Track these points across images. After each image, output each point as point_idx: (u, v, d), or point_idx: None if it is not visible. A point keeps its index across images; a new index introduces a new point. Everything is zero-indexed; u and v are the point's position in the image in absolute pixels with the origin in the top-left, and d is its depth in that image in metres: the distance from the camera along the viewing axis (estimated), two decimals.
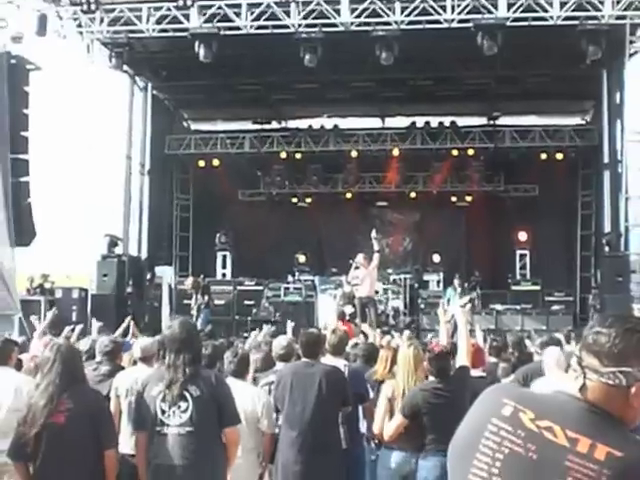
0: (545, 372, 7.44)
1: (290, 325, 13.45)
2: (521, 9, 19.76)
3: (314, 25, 20.55)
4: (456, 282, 24.61)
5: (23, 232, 20.75)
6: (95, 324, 13.00)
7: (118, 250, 24.20)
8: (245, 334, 19.94)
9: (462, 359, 7.24)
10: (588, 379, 2.51)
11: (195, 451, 5.74)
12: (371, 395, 8.37)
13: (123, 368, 8.42)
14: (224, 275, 28.29)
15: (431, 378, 7.18)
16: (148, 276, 26.03)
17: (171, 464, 5.75)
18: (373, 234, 19.28)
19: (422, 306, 25.06)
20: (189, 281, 23.22)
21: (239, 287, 26.25)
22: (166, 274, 28.31)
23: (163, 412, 5.76)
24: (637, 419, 2.56)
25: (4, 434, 6.17)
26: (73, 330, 11.65)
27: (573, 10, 19.69)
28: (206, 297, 22.70)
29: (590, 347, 2.53)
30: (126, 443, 6.57)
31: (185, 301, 24.21)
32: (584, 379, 2.52)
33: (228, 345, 10.25)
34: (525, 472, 2.46)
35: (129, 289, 24.05)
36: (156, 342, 8.31)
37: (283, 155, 29.10)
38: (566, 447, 2.43)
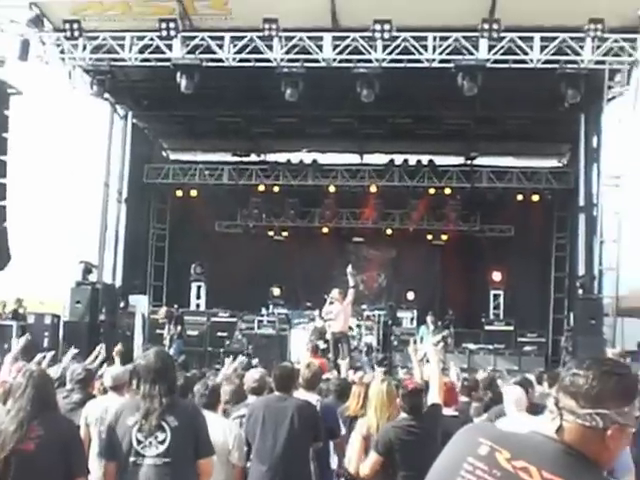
0: (505, 411, 7.45)
1: (255, 362, 13.42)
2: (502, 51, 20.01)
3: (296, 60, 20.69)
4: (429, 320, 24.61)
5: None
6: (71, 351, 12.84)
7: (92, 277, 24.03)
8: (217, 366, 19.88)
9: (434, 397, 7.22)
10: (565, 420, 2.51)
11: None
12: (343, 431, 8.34)
13: (95, 397, 8.36)
14: (198, 306, 28.18)
15: (403, 415, 7.16)
16: (122, 304, 25.86)
17: None
18: (349, 269, 19.25)
19: (395, 343, 25.05)
20: (162, 311, 23.16)
21: (213, 318, 26.17)
22: (140, 303, 28.12)
23: (139, 442, 5.64)
24: (612, 461, 2.57)
25: None
26: (44, 357, 11.56)
27: (553, 54, 19.96)
28: (179, 327, 22.63)
29: (567, 388, 2.53)
30: (95, 472, 6.50)
31: (158, 331, 24.13)
32: (561, 420, 2.52)
33: (200, 376, 10.18)
34: None
35: (102, 317, 23.85)
36: (127, 371, 8.26)
37: (261, 188, 29.20)
38: None
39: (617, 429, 2.50)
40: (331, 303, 18.92)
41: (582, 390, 2.50)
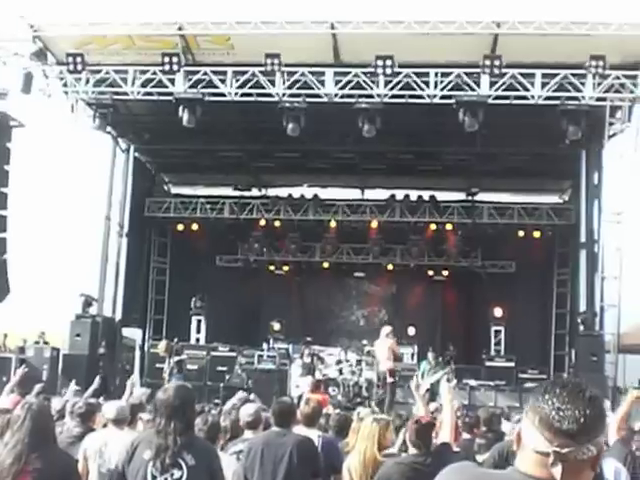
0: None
1: (252, 397, 13.33)
2: (503, 87, 20.09)
3: (298, 95, 20.76)
4: (430, 356, 24.48)
5: None
6: (72, 387, 12.77)
7: (92, 310, 24.01)
8: (217, 400, 19.76)
9: (445, 435, 7.12)
10: (564, 461, 2.38)
11: None
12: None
13: (94, 430, 8.28)
14: (198, 340, 28.03)
15: (411, 450, 7.06)
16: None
17: None
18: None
19: (396, 379, 24.84)
20: (162, 344, 23.04)
21: (213, 353, 26.02)
22: (136, 336, 28.09)
23: (154, 478, 5.55)
24: None
25: None
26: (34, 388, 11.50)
27: (554, 90, 20.04)
28: (178, 359, 22.52)
29: (558, 427, 2.40)
30: None
31: (157, 364, 23.99)
32: (563, 463, 2.39)
33: (199, 411, 10.10)
34: None
35: (101, 350, 23.78)
36: (129, 405, 8.22)
37: (262, 222, 29.22)
38: None
39: (602, 449, 2.45)
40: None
41: (578, 426, 2.38)
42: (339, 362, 24.50)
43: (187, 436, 5.66)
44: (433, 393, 16.26)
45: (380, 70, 20.07)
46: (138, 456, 5.64)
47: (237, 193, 30.35)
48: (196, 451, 5.63)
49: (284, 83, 20.66)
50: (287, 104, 20.83)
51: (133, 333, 27.88)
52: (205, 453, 5.76)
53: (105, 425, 8.19)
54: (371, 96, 20.64)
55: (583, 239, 24.45)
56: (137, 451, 5.66)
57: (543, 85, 20.09)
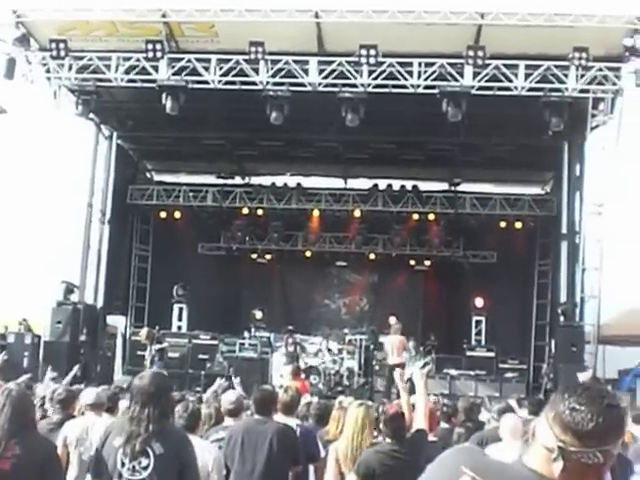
0: (501, 437, 7.36)
1: (236, 381, 13.34)
2: (486, 78, 20.10)
3: (282, 83, 20.75)
4: (411, 345, 24.54)
5: None
6: (49, 374, 12.76)
7: (74, 297, 23.96)
8: (198, 388, 19.77)
9: (420, 422, 7.16)
10: (567, 460, 2.40)
11: None
12: (322, 454, 8.28)
13: (74, 417, 8.28)
14: (179, 328, 27.95)
15: (387, 440, 7.09)
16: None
17: None
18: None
19: (377, 368, 24.95)
20: (144, 332, 23.03)
21: (194, 340, 26.00)
22: (119, 324, 28.05)
23: (123, 465, 5.50)
24: None
25: None
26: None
27: (537, 82, 20.08)
28: (160, 347, 22.52)
29: (568, 426, 2.42)
30: None
31: (139, 352, 23.97)
32: (564, 460, 2.40)
33: (180, 399, 10.11)
34: None
35: (83, 337, 23.74)
36: (105, 391, 8.21)
37: (245, 211, 29.15)
38: None
39: (611, 459, 2.44)
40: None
41: (587, 428, 2.39)
42: (320, 351, 24.57)
43: (160, 424, 5.61)
44: (414, 383, 16.38)
45: (364, 59, 20.03)
46: (109, 443, 5.62)
47: (220, 181, 30.25)
48: (165, 440, 5.56)
49: (268, 71, 20.62)
50: (271, 92, 20.81)
51: (116, 320, 27.86)
52: (175, 442, 5.68)
53: (83, 413, 8.19)
54: (355, 85, 20.63)
55: (564, 230, 24.56)
56: (109, 438, 5.65)
57: (526, 76, 20.11)
